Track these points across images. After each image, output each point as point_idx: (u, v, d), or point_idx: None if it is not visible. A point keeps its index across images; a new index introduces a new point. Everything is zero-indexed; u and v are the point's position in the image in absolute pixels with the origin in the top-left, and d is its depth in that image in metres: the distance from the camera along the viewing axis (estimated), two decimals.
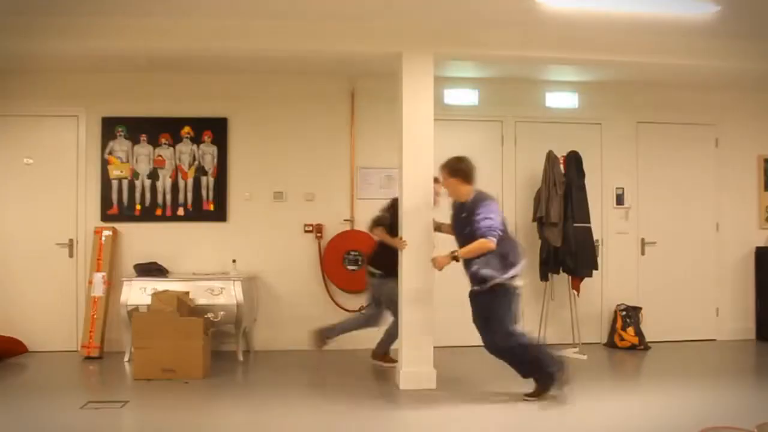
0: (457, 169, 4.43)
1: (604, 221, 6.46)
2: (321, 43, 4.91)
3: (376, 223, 5.18)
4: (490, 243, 4.15)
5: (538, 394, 4.31)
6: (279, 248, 6.15)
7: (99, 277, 5.81)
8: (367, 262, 5.53)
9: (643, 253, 6.57)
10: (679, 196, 6.62)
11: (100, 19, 4.69)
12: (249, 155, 6.19)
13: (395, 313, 5.15)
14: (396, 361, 5.25)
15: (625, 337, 6.18)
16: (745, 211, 6.73)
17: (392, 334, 5.28)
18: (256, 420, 4.07)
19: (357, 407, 4.28)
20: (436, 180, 4.83)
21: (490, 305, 4.25)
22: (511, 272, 4.22)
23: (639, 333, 6.19)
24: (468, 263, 4.28)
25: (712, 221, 6.69)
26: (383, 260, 5.13)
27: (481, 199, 4.36)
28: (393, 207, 5.14)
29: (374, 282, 5.30)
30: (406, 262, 4.73)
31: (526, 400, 4.29)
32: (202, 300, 5.41)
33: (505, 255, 4.23)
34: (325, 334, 5.35)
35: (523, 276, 4.34)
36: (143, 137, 6.10)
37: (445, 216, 4.75)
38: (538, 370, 4.31)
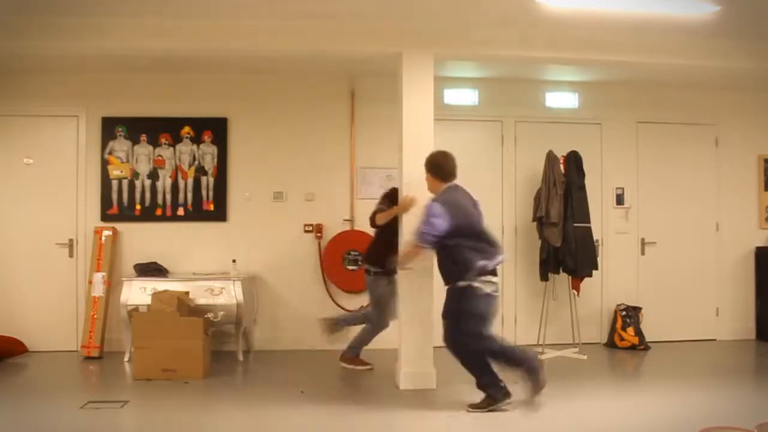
0: (429, 164, 4.25)
1: (604, 221, 6.46)
2: (321, 43, 4.92)
3: (376, 212, 5.08)
4: (418, 247, 4.08)
5: (484, 406, 4.08)
6: (279, 248, 6.15)
7: (99, 277, 5.81)
8: (363, 258, 5.44)
9: (643, 253, 6.57)
10: (679, 196, 6.63)
11: (101, 19, 4.69)
12: (249, 155, 6.19)
13: (377, 315, 5.14)
14: (369, 365, 5.24)
15: (625, 337, 6.18)
16: (745, 211, 6.73)
17: (365, 338, 5.25)
18: (256, 420, 4.06)
19: (357, 407, 4.28)
20: None
21: (455, 305, 4.09)
22: (468, 275, 3.98)
23: (639, 333, 6.19)
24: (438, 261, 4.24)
25: (712, 221, 6.69)
26: (377, 256, 5.08)
27: (435, 199, 4.12)
28: (391, 196, 5.08)
29: (368, 280, 5.22)
30: None
31: (469, 411, 4.08)
32: (202, 300, 5.41)
33: (457, 261, 4.01)
34: (334, 323, 5.36)
35: (491, 281, 4.04)
36: (143, 137, 6.10)
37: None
38: (490, 383, 4.10)
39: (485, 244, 4.10)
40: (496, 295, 4.13)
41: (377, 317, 5.16)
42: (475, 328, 4.02)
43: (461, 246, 4.02)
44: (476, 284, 3.97)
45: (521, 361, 4.07)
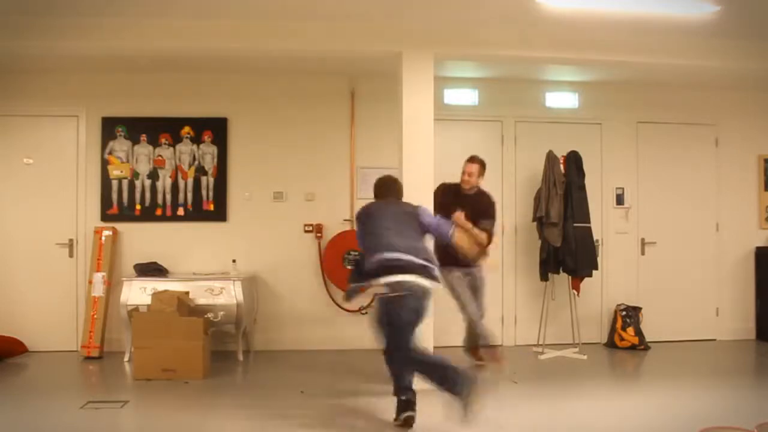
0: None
1: (604, 221, 6.46)
2: (321, 43, 4.92)
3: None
4: None
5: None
6: (279, 248, 6.15)
7: (99, 277, 5.81)
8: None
9: (643, 253, 6.57)
10: (679, 196, 6.63)
11: (100, 20, 4.70)
12: (249, 155, 6.19)
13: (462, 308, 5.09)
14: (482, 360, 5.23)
15: (625, 337, 6.18)
16: (745, 211, 6.73)
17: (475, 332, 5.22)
18: (256, 420, 4.06)
19: (356, 407, 4.28)
20: (473, 159, 4.84)
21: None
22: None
23: (639, 333, 6.19)
24: None
25: (712, 221, 6.69)
26: (438, 254, 4.54)
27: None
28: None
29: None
30: None
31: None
32: (202, 300, 5.41)
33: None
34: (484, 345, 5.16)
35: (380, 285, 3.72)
36: (143, 137, 6.10)
37: None
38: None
39: (385, 243, 3.81)
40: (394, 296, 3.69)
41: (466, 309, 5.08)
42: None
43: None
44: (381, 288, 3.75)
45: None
